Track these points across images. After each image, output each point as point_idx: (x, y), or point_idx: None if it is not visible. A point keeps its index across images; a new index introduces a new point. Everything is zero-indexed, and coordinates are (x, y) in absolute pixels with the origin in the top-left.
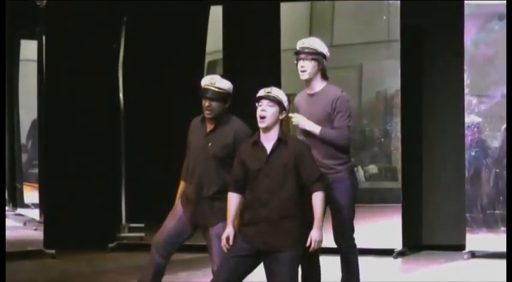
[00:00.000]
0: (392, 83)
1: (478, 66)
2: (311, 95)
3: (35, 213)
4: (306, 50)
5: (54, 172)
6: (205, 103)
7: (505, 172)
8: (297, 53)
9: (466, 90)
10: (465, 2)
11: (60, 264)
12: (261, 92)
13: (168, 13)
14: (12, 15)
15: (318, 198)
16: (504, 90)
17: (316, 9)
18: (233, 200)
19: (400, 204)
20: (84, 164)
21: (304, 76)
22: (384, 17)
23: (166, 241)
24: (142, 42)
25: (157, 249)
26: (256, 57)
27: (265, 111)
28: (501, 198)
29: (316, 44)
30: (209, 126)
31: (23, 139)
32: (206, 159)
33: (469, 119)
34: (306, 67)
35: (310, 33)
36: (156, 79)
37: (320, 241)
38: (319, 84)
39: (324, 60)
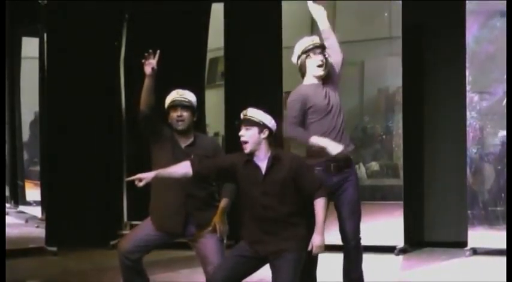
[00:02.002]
0: (394, 80)
1: (479, 63)
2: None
3: (36, 211)
4: None
5: (55, 169)
6: (176, 113)
7: (505, 169)
8: None
9: (468, 87)
10: None
11: (61, 261)
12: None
13: (170, 11)
14: (13, 12)
15: (320, 205)
16: (505, 87)
17: None
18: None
19: (401, 201)
20: (85, 161)
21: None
22: (386, 14)
23: (135, 246)
24: (144, 39)
25: (124, 254)
26: (258, 56)
27: (244, 136)
28: (503, 195)
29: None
30: (184, 140)
31: (25, 136)
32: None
33: (471, 116)
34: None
35: (312, 31)
36: (158, 77)
37: (322, 246)
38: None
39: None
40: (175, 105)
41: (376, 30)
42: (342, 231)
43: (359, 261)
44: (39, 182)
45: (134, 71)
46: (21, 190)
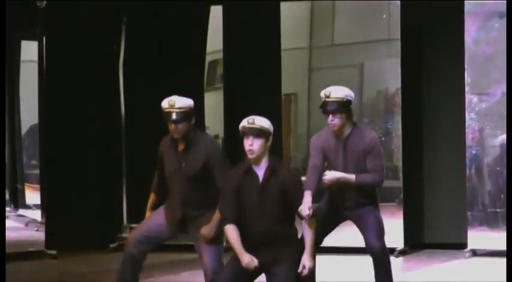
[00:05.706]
0: (393, 81)
1: (478, 64)
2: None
3: (36, 214)
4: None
5: (55, 173)
6: (171, 126)
7: (505, 170)
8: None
9: (467, 89)
10: (465, 0)
11: (61, 264)
12: (244, 123)
13: (168, 13)
14: (12, 16)
15: (307, 226)
16: (505, 88)
17: (316, 8)
18: (235, 232)
19: (401, 203)
20: (85, 165)
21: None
22: (384, 16)
23: (144, 236)
24: (143, 42)
25: (132, 243)
26: (257, 57)
27: (252, 145)
28: (502, 196)
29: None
30: (180, 145)
31: (24, 140)
32: (182, 179)
33: (470, 117)
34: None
35: (311, 33)
36: (157, 79)
37: (312, 267)
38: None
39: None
40: (168, 118)
41: (374, 32)
42: (364, 240)
43: (386, 270)
44: (38, 186)
45: (133, 74)
46: (21, 194)
